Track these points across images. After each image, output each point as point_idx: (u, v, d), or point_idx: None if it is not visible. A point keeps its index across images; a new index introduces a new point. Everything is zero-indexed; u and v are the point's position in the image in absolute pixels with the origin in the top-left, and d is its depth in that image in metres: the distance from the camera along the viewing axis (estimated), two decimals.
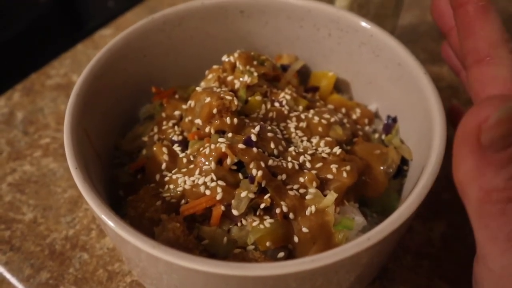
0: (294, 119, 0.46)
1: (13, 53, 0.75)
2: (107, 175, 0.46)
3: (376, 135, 0.50)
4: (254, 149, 0.40)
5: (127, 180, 0.45)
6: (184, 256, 0.31)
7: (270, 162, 0.40)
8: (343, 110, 0.51)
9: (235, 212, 0.38)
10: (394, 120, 0.49)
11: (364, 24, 0.48)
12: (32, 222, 0.52)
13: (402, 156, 0.46)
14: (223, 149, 0.39)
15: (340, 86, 0.55)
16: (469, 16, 0.35)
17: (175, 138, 0.45)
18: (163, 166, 0.43)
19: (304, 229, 0.39)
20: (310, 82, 0.55)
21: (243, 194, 0.38)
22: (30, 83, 0.67)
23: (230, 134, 0.42)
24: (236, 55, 0.48)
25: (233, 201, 0.39)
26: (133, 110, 0.51)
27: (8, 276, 0.47)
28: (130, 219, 0.40)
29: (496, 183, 0.26)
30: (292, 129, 0.46)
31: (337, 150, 0.43)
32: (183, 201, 0.40)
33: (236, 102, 0.42)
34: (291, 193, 0.40)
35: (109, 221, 0.33)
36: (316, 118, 0.46)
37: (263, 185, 0.39)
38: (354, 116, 0.51)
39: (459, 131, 0.26)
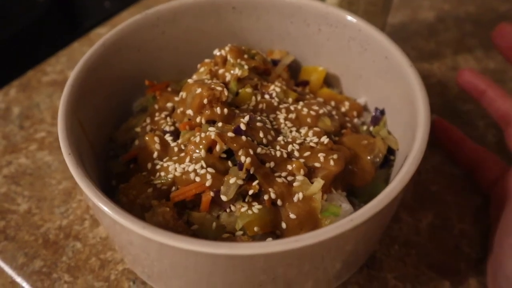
0: (283, 110, 0.48)
1: (10, 51, 0.76)
2: (101, 167, 0.47)
3: (365, 127, 0.51)
4: (243, 138, 0.41)
5: (120, 170, 0.46)
6: (173, 236, 0.32)
7: (259, 150, 0.42)
8: (333, 103, 0.53)
9: (224, 198, 0.39)
10: (382, 112, 0.50)
11: (352, 19, 0.49)
12: (27, 213, 0.53)
13: (389, 147, 0.47)
14: (213, 137, 0.40)
15: (330, 81, 0.56)
16: None
17: (167, 128, 0.46)
18: (155, 155, 0.44)
19: (292, 215, 0.40)
20: (301, 77, 0.56)
21: (232, 180, 0.39)
22: (26, 80, 0.68)
23: (220, 124, 0.43)
24: (227, 48, 0.50)
25: (222, 187, 0.40)
26: (127, 104, 0.52)
27: (2, 264, 0.48)
28: (122, 205, 0.41)
29: None
30: (282, 120, 0.47)
31: (325, 139, 0.44)
32: (173, 188, 0.41)
33: (226, 92, 0.44)
34: (279, 180, 0.41)
35: (100, 204, 0.34)
36: (305, 110, 0.48)
37: (251, 172, 0.40)
38: (343, 109, 0.52)
39: None
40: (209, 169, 0.40)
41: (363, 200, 0.46)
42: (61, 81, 0.68)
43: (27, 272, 0.47)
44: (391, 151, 0.47)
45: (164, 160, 0.43)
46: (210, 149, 0.41)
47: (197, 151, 0.41)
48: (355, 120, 0.52)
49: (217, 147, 0.40)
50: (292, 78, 0.55)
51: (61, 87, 0.66)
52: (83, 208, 0.53)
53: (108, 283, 0.47)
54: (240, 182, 0.39)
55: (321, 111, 0.48)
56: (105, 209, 0.34)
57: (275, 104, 0.48)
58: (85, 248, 0.49)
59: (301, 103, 0.49)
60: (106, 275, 0.48)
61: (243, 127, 0.42)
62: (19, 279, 0.47)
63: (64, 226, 0.51)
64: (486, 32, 0.76)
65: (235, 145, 0.40)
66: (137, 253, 0.38)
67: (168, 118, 0.47)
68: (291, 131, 0.46)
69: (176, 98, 0.48)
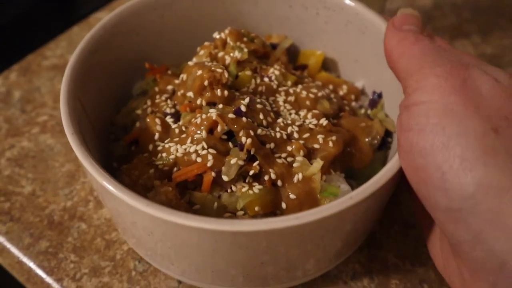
0: (282, 93, 0.48)
1: (9, 35, 0.76)
2: (102, 150, 0.47)
3: (362, 110, 0.52)
4: (244, 119, 0.42)
5: (121, 153, 0.47)
6: (177, 213, 0.33)
7: (259, 131, 0.42)
8: (331, 86, 0.53)
9: (225, 178, 0.40)
10: (380, 95, 0.51)
11: (349, 2, 0.50)
12: (31, 195, 0.53)
13: (386, 129, 0.48)
14: (214, 117, 0.41)
15: (328, 65, 0.57)
16: None
17: (167, 110, 0.47)
18: (156, 136, 0.44)
19: (292, 196, 0.41)
20: (299, 61, 0.56)
21: (233, 161, 0.40)
22: (26, 64, 0.68)
23: (220, 106, 0.44)
24: (227, 31, 0.50)
25: (223, 167, 0.40)
26: (127, 88, 0.52)
27: (8, 245, 0.49)
28: (125, 186, 0.42)
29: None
30: (281, 103, 0.48)
31: (323, 121, 0.45)
32: (175, 168, 0.42)
33: (226, 74, 0.44)
34: (279, 161, 0.42)
35: (105, 182, 0.34)
36: (304, 93, 0.48)
37: (252, 153, 0.41)
38: (341, 93, 0.53)
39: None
40: (211, 150, 0.41)
41: (361, 182, 0.46)
42: (61, 65, 0.68)
43: (34, 252, 0.48)
44: (388, 134, 0.48)
45: (166, 141, 0.44)
46: (211, 130, 0.42)
47: (198, 132, 0.42)
48: (353, 104, 0.52)
49: (218, 128, 0.41)
50: (290, 62, 0.55)
51: (62, 71, 0.65)
52: (87, 190, 0.54)
53: (114, 263, 0.48)
54: (241, 162, 0.40)
55: (319, 94, 0.48)
56: (110, 187, 0.34)
57: (275, 87, 0.48)
58: (90, 229, 0.50)
59: (300, 86, 0.49)
60: (111, 254, 0.48)
61: (243, 108, 0.43)
62: (25, 259, 0.48)
63: (69, 208, 0.52)
64: (483, 18, 0.77)
65: (235, 126, 0.41)
66: (141, 235, 0.39)
67: (168, 101, 0.48)
68: (290, 114, 0.47)
69: (176, 81, 0.49)
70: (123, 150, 0.47)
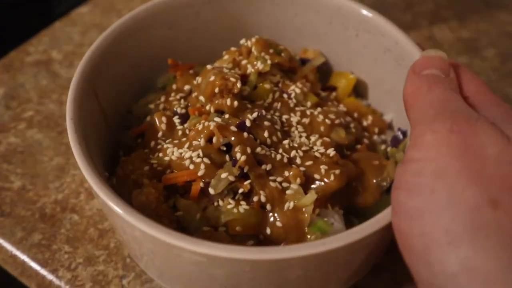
0: (298, 113, 0.46)
1: None
2: (113, 137, 0.48)
3: (383, 146, 0.48)
4: (245, 134, 0.41)
5: (128, 143, 0.47)
6: (153, 226, 0.32)
7: (259, 149, 0.40)
8: (356, 114, 0.50)
9: (211, 190, 0.39)
10: (404, 134, 0.47)
11: (391, 29, 0.46)
12: (21, 189, 0.52)
13: None
14: (211, 128, 0.39)
15: (360, 90, 0.53)
16: None
17: (178, 110, 0.46)
18: (160, 134, 0.44)
19: (278, 223, 0.39)
20: (330, 81, 0.54)
21: (224, 175, 0.39)
22: (9, 60, 0.66)
23: (227, 116, 0.42)
24: (253, 40, 0.48)
25: (212, 180, 0.39)
26: (150, 78, 0.52)
27: (0, 240, 0.48)
28: (117, 177, 0.42)
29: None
30: (294, 123, 0.45)
31: (331, 151, 0.42)
32: (168, 171, 0.41)
33: (239, 85, 0.43)
34: (272, 184, 0.40)
35: (85, 171, 0.34)
36: (321, 117, 0.46)
37: (245, 171, 0.39)
38: (365, 123, 0.50)
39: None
40: (205, 159, 0.40)
41: (362, 222, 0.43)
42: (45, 61, 0.66)
43: (27, 245, 0.48)
44: None
45: (167, 141, 0.44)
46: (210, 140, 0.41)
47: (198, 139, 0.41)
48: (375, 137, 0.49)
49: (214, 139, 0.40)
50: (321, 81, 0.53)
51: (46, 67, 0.66)
52: (77, 182, 0.53)
53: (108, 251, 0.48)
54: (231, 178, 0.39)
55: (337, 121, 0.46)
56: (89, 177, 0.34)
57: (291, 105, 0.46)
58: (83, 220, 0.50)
59: (318, 109, 0.47)
60: (105, 243, 0.49)
61: (248, 123, 0.41)
62: (18, 253, 0.48)
63: (60, 200, 0.52)
64: (460, 3, 0.81)
65: (233, 139, 0.40)
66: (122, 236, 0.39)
67: (182, 100, 0.47)
68: (300, 136, 0.45)
69: (195, 82, 0.48)
70: (130, 140, 0.47)
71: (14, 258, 0.48)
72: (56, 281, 0.46)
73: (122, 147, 0.47)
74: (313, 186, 0.41)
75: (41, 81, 0.64)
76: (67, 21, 0.73)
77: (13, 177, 0.54)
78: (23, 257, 0.48)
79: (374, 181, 0.43)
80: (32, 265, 0.47)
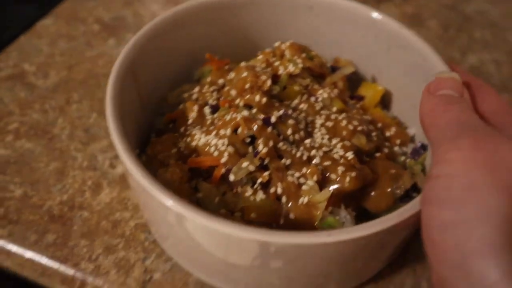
0: (323, 116, 0.48)
1: None
2: (147, 121, 0.51)
3: (403, 158, 0.49)
4: (269, 129, 0.43)
5: (160, 127, 0.50)
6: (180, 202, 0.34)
7: (280, 144, 0.43)
8: (380, 124, 0.51)
9: (231, 177, 0.41)
10: (424, 148, 0.48)
11: (421, 45, 0.48)
12: (24, 196, 0.52)
13: (415, 183, 0.45)
14: (238, 119, 0.42)
15: (387, 102, 0.55)
16: None
17: (210, 101, 0.49)
18: (189, 121, 0.47)
19: (291, 215, 0.41)
20: (359, 91, 0.55)
21: (245, 164, 0.41)
22: None
23: (254, 110, 0.45)
24: (288, 43, 0.51)
25: (234, 167, 0.41)
26: (188, 71, 0.56)
27: (13, 247, 0.48)
28: (146, 156, 0.45)
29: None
30: (317, 125, 0.47)
31: (350, 155, 0.44)
32: (194, 155, 0.44)
33: (269, 83, 0.45)
34: (290, 178, 0.42)
35: (117, 141, 0.37)
36: (344, 122, 0.47)
37: (265, 162, 0.41)
38: (387, 134, 0.51)
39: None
40: (229, 148, 0.42)
41: None
42: (18, 74, 0.66)
43: (42, 246, 0.48)
44: (416, 189, 0.45)
45: (196, 128, 0.46)
46: (236, 131, 0.43)
47: (225, 129, 0.43)
48: (396, 148, 0.50)
49: (239, 130, 0.42)
50: (349, 90, 0.55)
51: (21, 79, 0.66)
52: (79, 181, 0.54)
53: (125, 238, 0.49)
54: (251, 168, 0.41)
55: (359, 128, 0.47)
56: (119, 146, 0.37)
57: (317, 108, 0.48)
58: (93, 215, 0.51)
59: (343, 114, 0.48)
60: (120, 232, 0.50)
61: (273, 119, 0.44)
62: (35, 255, 0.48)
63: (66, 201, 0.52)
64: None
65: (257, 132, 0.42)
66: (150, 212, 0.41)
67: (214, 93, 0.50)
68: (322, 138, 0.46)
69: (228, 77, 0.51)
70: (162, 125, 0.50)
71: (31, 261, 0.48)
72: (79, 274, 0.46)
73: (154, 131, 0.50)
74: (328, 185, 0.42)
75: (19, 93, 0.63)
76: (33, 34, 0.72)
77: (12, 187, 0.53)
78: (41, 258, 0.47)
79: (389, 189, 0.44)
80: (51, 265, 0.47)
